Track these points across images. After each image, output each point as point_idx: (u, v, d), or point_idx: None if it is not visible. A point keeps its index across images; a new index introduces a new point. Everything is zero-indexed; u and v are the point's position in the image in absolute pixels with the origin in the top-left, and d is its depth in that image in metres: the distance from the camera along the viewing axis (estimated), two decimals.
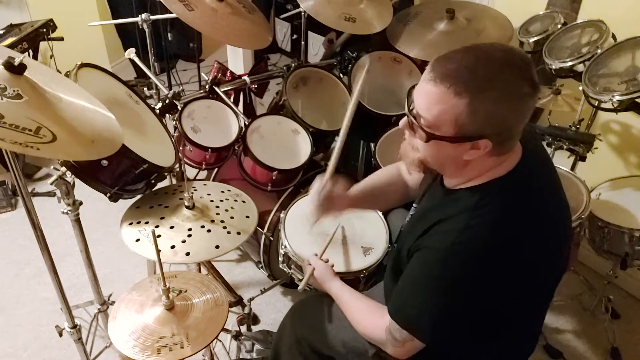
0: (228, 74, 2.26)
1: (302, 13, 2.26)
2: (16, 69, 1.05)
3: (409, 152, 1.06)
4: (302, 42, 2.46)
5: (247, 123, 1.90)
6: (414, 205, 1.29)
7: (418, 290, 1.04)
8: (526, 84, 0.90)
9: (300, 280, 1.55)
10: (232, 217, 1.42)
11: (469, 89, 0.89)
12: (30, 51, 2.58)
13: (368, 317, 1.19)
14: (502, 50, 0.92)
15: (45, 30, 2.62)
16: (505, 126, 0.93)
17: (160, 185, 1.54)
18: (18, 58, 1.05)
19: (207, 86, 2.00)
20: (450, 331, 1.05)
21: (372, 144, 2.17)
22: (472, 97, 0.89)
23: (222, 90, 2.00)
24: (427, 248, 1.03)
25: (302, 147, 1.96)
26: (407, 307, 1.07)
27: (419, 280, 1.04)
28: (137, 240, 1.31)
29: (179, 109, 1.81)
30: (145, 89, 2.16)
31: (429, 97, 0.93)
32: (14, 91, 1.03)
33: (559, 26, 2.02)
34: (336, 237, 1.60)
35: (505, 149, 0.98)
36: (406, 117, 1.01)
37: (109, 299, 1.75)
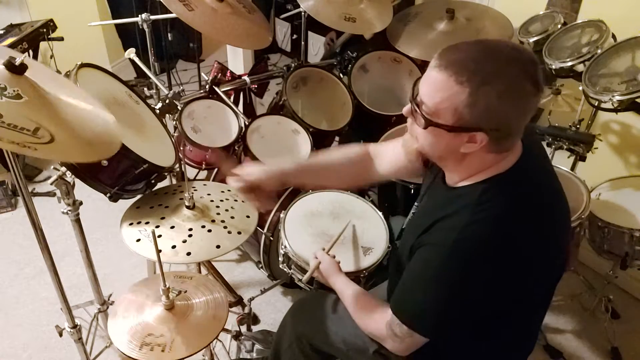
0: (228, 74, 2.26)
1: (302, 13, 2.26)
2: (17, 69, 1.05)
3: (409, 141, 1.09)
4: (302, 42, 2.46)
5: (247, 123, 1.90)
6: (416, 204, 1.30)
7: (420, 287, 1.04)
8: (529, 83, 0.90)
9: (300, 280, 1.55)
10: (232, 217, 1.42)
11: (472, 79, 0.89)
12: (30, 51, 2.57)
13: (370, 311, 1.19)
14: (510, 47, 0.92)
15: (45, 30, 2.62)
16: (504, 122, 0.93)
17: (160, 185, 1.54)
18: (19, 58, 1.05)
19: (207, 86, 2.00)
20: (451, 327, 1.05)
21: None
22: (474, 88, 0.89)
23: (222, 90, 2.00)
24: (430, 245, 1.03)
25: (302, 147, 1.96)
26: (408, 302, 1.07)
27: (421, 276, 1.04)
28: (138, 240, 1.31)
29: (179, 109, 1.81)
30: (145, 89, 2.15)
31: (432, 83, 0.94)
32: (14, 91, 1.03)
33: (559, 26, 2.01)
34: (341, 236, 1.59)
35: (504, 146, 0.98)
36: (410, 104, 1.01)
37: (109, 299, 1.75)
